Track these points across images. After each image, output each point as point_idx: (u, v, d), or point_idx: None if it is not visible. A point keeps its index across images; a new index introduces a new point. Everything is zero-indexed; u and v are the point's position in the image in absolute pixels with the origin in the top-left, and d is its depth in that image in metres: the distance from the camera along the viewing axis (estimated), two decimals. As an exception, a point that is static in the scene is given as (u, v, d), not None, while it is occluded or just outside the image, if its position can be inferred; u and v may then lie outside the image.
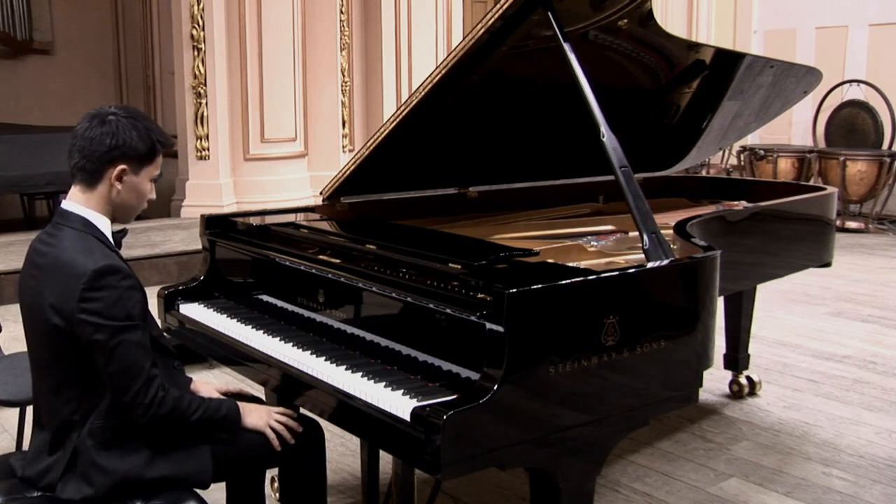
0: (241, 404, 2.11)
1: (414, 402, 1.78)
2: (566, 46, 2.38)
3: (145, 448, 1.93)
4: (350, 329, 2.21)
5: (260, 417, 2.10)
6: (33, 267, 1.96)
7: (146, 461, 1.92)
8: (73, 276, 1.84)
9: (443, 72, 2.46)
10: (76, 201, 1.97)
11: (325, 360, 2.09)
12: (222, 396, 2.20)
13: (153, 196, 2.06)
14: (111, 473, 1.89)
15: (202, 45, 7.32)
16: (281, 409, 2.17)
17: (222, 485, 2.38)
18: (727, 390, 3.96)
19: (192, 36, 7.32)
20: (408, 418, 1.76)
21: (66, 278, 1.85)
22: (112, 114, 1.96)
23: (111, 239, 1.98)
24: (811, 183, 7.73)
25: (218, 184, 7.39)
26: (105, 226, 1.97)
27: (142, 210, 2.08)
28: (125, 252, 2.12)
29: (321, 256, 2.39)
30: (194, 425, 1.97)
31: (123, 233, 2.09)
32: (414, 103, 2.53)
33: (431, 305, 1.94)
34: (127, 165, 1.94)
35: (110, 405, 1.90)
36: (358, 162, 2.69)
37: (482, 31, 2.38)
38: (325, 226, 2.72)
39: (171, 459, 1.95)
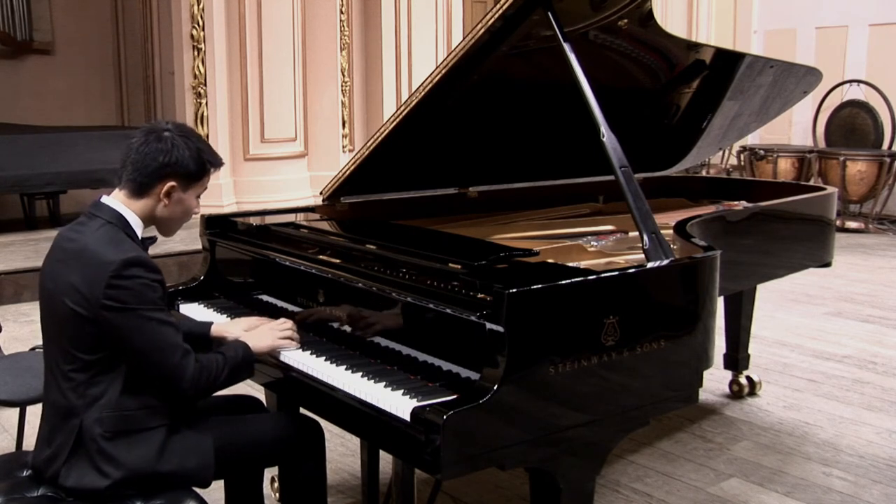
0: (246, 335, 2.18)
1: (414, 402, 1.78)
2: (566, 46, 2.38)
3: (151, 441, 1.95)
4: (350, 329, 2.21)
5: (265, 339, 2.17)
6: (60, 252, 1.99)
7: (152, 455, 1.94)
8: (100, 263, 1.88)
9: (443, 72, 2.46)
10: (117, 199, 2.02)
11: (325, 360, 2.09)
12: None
13: (199, 210, 2.15)
14: (119, 465, 1.90)
15: (202, 45, 7.33)
16: (278, 323, 2.24)
17: (221, 485, 2.38)
18: (727, 390, 3.96)
19: (192, 36, 7.32)
20: (408, 418, 1.76)
21: (93, 265, 1.89)
22: (167, 130, 2.02)
23: (140, 238, 2.03)
24: (811, 183, 7.73)
25: (218, 184, 7.38)
26: (137, 225, 2.03)
27: (186, 222, 2.14)
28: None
29: (321, 256, 2.39)
30: (225, 381, 2.04)
31: (153, 240, 2.13)
32: (414, 103, 2.52)
33: (431, 305, 1.94)
34: (176, 182, 2.02)
35: (118, 397, 1.92)
36: (358, 162, 2.69)
37: (482, 31, 2.37)
38: (325, 226, 2.72)
39: (175, 455, 1.96)
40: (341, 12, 8.08)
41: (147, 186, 2.00)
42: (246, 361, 2.10)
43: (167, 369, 1.93)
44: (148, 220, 2.05)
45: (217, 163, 2.10)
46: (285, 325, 2.23)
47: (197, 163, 2.03)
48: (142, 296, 1.90)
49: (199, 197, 2.11)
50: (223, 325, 2.34)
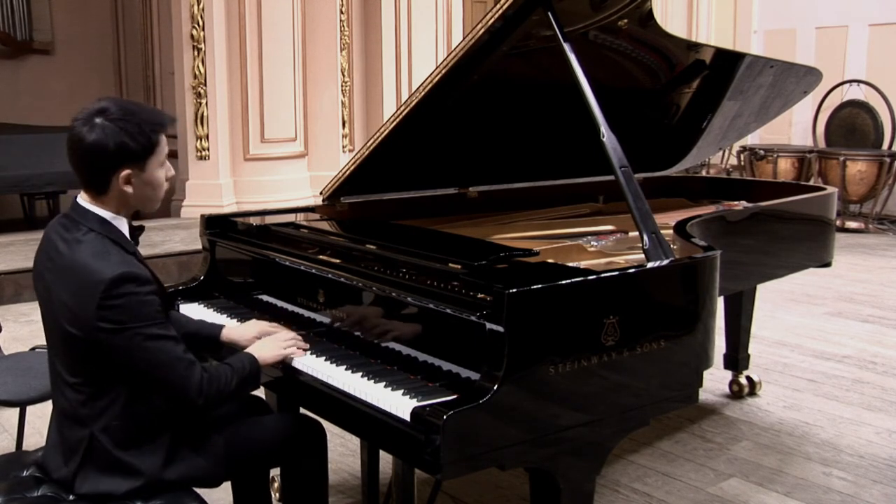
0: (251, 348, 2.14)
1: (414, 402, 1.78)
2: (566, 46, 2.38)
3: (160, 446, 1.94)
4: (349, 329, 2.21)
5: (272, 351, 2.13)
6: (49, 262, 1.93)
7: (162, 460, 1.93)
8: (90, 283, 1.81)
9: (443, 72, 2.46)
10: (90, 202, 1.93)
11: (326, 360, 2.09)
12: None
13: (172, 173, 2.01)
14: (132, 473, 1.90)
15: (202, 45, 7.33)
16: (283, 334, 2.21)
17: (224, 486, 2.38)
18: (727, 390, 3.96)
19: (192, 36, 7.32)
20: (408, 418, 1.76)
21: (83, 284, 1.82)
22: (100, 112, 1.86)
23: (129, 237, 1.95)
24: (811, 183, 7.73)
25: (218, 184, 7.39)
26: (123, 225, 1.94)
27: (165, 192, 2.01)
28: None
29: (321, 256, 2.39)
30: (234, 392, 2.00)
31: (141, 229, 2.03)
32: (414, 103, 2.52)
33: (431, 305, 1.94)
34: (130, 169, 1.88)
35: (126, 405, 1.90)
36: (358, 162, 2.69)
37: (482, 31, 2.37)
38: (325, 226, 2.72)
39: (186, 458, 1.97)
40: (341, 12, 8.08)
41: (103, 184, 1.88)
42: (253, 374, 2.06)
43: (173, 384, 1.88)
44: (125, 212, 1.93)
45: (163, 123, 1.92)
46: (290, 335, 2.20)
47: (140, 141, 1.86)
48: (137, 312, 1.82)
49: (163, 164, 1.94)
50: (233, 330, 2.30)
